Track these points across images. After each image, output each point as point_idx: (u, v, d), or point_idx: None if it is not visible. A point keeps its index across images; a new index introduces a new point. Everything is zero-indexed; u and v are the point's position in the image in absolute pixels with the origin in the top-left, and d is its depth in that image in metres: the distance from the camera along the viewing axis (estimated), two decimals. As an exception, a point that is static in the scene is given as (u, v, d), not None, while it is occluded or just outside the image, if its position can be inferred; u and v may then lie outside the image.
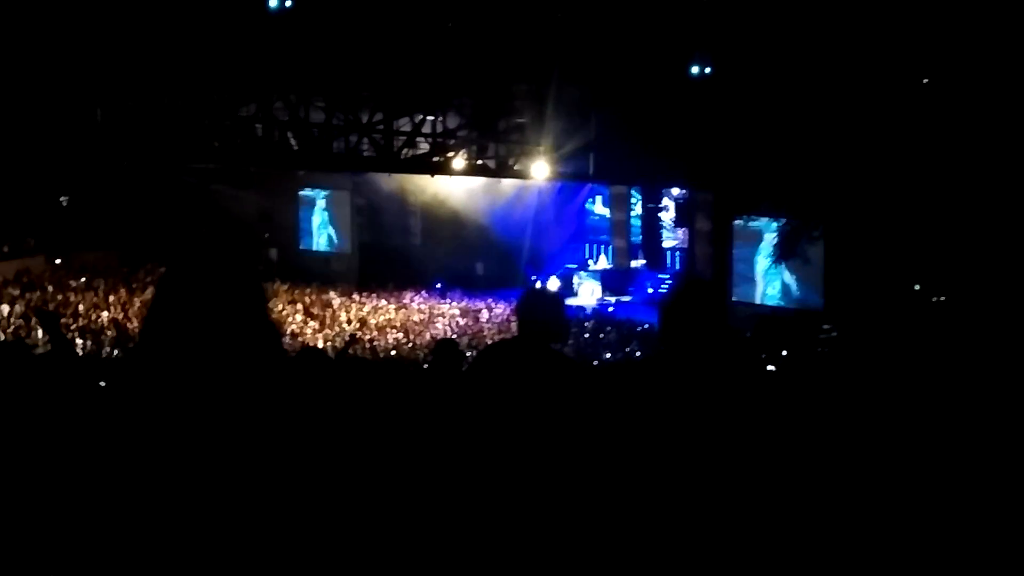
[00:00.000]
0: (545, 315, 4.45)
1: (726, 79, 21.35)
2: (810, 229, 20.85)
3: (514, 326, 4.61)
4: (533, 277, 27.41)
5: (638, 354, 18.49)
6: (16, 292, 21.59)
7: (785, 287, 22.02)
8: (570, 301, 24.73)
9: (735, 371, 3.60)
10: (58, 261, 25.52)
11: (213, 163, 23.59)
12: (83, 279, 23.65)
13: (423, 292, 26.17)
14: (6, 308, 20.08)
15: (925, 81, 18.92)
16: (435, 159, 23.78)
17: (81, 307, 20.98)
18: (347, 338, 17.42)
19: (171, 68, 19.75)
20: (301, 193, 29.56)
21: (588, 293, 26.69)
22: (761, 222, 22.21)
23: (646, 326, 22.39)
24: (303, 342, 19.85)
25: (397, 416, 5.33)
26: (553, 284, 26.25)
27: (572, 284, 27.05)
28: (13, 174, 22.65)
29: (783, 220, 21.40)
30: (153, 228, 25.53)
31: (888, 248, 19.22)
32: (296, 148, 22.85)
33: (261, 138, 22.34)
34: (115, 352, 17.04)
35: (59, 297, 21.70)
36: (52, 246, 25.72)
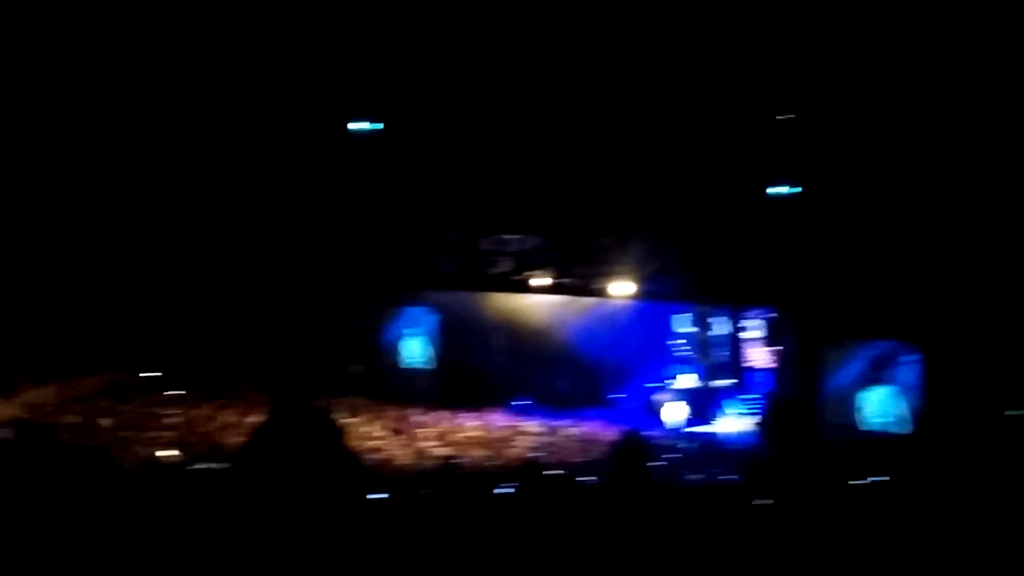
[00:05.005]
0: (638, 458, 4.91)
1: (814, 198, 21.18)
2: (904, 353, 20.38)
3: (593, 446, 4.83)
4: (615, 396, 27.03)
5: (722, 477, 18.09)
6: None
7: (878, 411, 21.40)
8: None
9: (825, 494, 3.46)
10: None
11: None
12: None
13: (504, 409, 25.98)
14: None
15: None
16: (517, 278, 23.80)
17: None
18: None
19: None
20: (387, 309, 29.72)
21: (673, 413, 26.22)
22: (852, 344, 21.74)
23: (732, 447, 21.95)
24: (385, 457, 20.30)
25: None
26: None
27: (655, 404, 26.62)
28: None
29: (875, 343, 20.95)
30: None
31: (984, 371, 18.66)
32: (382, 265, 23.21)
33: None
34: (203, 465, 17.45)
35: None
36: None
